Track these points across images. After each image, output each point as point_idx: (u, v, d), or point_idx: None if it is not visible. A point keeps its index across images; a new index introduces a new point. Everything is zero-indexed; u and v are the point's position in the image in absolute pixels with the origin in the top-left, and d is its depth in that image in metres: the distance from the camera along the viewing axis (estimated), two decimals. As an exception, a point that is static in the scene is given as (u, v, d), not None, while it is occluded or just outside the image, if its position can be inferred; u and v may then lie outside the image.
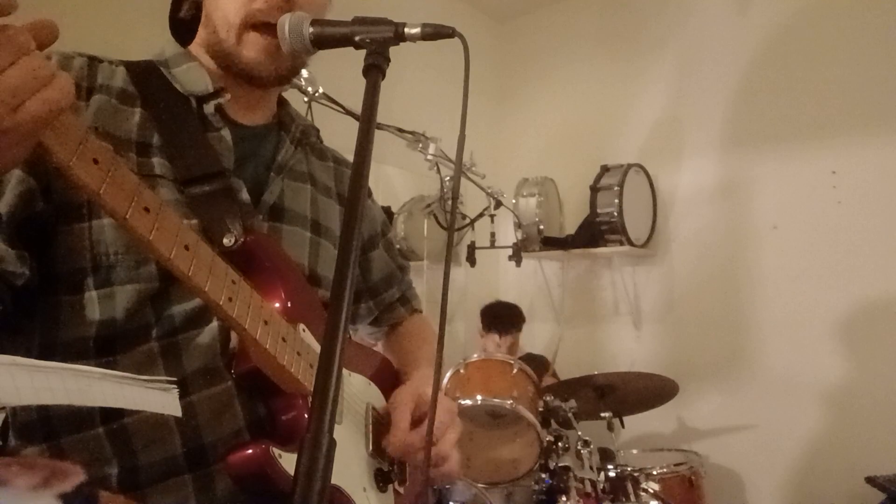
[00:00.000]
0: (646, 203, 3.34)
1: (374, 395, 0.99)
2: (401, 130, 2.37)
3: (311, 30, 0.78)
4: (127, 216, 0.61)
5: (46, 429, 0.78)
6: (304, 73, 1.85)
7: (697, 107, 3.31)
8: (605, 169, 3.26)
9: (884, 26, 2.81)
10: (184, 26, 0.96)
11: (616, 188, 3.12)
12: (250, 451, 0.74)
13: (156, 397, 0.60)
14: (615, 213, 3.11)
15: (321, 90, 1.99)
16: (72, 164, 0.57)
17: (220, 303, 0.69)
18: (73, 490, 0.52)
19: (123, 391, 0.56)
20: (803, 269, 2.91)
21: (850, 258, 2.80)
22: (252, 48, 0.86)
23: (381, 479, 0.92)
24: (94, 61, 0.86)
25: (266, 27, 0.85)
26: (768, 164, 3.06)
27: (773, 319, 2.98)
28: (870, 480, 2.35)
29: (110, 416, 0.76)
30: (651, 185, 3.36)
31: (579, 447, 2.29)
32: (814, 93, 2.96)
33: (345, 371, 0.93)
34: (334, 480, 0.79)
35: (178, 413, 0.61)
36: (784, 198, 3.01)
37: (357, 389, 0.95)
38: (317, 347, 0.82)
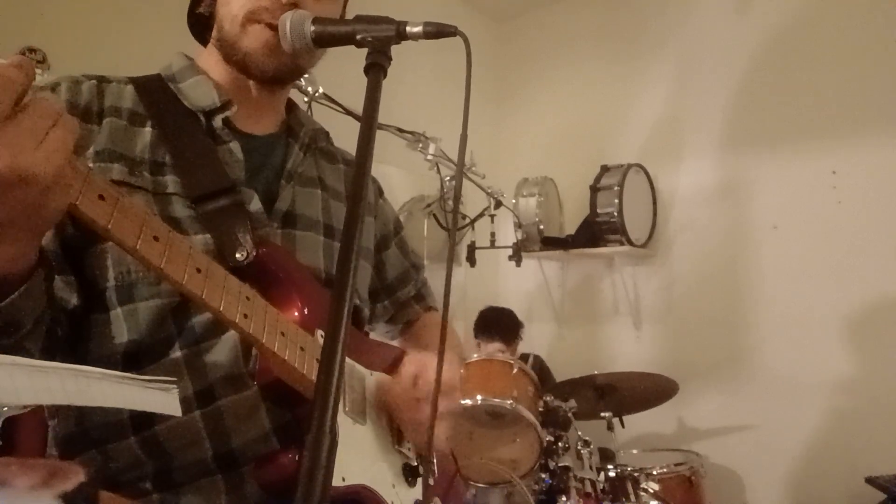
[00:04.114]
0: (646, 203, 3.34)
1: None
2: (401, 130, 2.37)
3: (312, 28, 0.78)
4: (137, 247, 0.62)
5: (86, 439, 0.80)
6: (304, 72, 1.85)
7: (697, 107, 3.31)
8: (605, 169, 3.26)
9: (884, 27, 2.80)
10: (201, 23, 0.97)
11: (616, 188, 3.12)
12: (280, 460, 0.76)
13: (155, 397, 0.59)
14: (615, 213, 3.11)
15: (321, 90, 1.99)
16: (78, 204, 0.58)
17: (237, 321, 0.70)
18: (73, 490, 0.51)
19: (123, 391, 0.56)
20: (803, 269, 2.91)
21: (850, 258, 2.79)
22: (253, 39, 0.87)
23: (410, 474, 0.93)
24: (102, 83, 0.87)
25: (271, 26, 0.85)
26: (768, 164, 3.06)
27: (773, 319, 2.98)
28: (870, 480, 2.35)
29: (141, 424, 0.79)
30: (651, 185, 3.36)
31: (579, 447, 2.29)
32: (814, 93, 2.95)
33: (366, 370, 0.94)
34: (362, 480, 0.81)
35: (179, 413, 0.61)
36: (784, 198, 3.01)
37: (379, 389, 0.96)
38: None
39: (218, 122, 0.89)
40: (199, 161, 0.86)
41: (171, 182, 0.83)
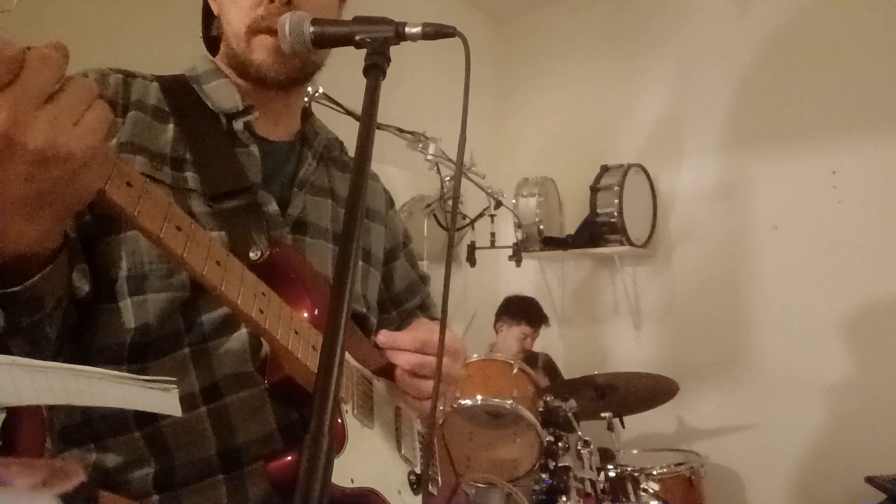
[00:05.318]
0: (646, 203, 3.34)
1: (400, 398, 1.00)
2: (401, 130, 2.37)
3: (311, 29, 0.78)
4: (161, 235, 0.62)
5: (89, 431, 0.80)
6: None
7: (697, 107, 3.31)
8: (605, 169, 3.26)
9: (884, 26, 2.81)
10: (215, 43, 0.99)
11: (616, 188, 3.12)
12: (290, 458, 0.76)
13: (155, 397, 0.59)
14: (615, 213, 3.11)
15: (321, 90, 1.99)
16: (106, 189, 0.58)
17: (252, 315, 0.70)
18: (73, 490, 0.52)
19: (123, 391, 0.56)
20: (803, 269, 2.91)
21: (850, 258, 2.80)
22: (260, 50, 0.88)
23: (415, 482, 0.94)
24: (128, 78, 0.88)
25: (272, 31, 0.86)
26: (768, 164, 3.06)
27: (773, 319, 2.98)
28: (870, 480, 2.35)
29: (145, 419, 0.79)
30: (651, 185, 3.37)
31: (579, 447, 2.29)
32: (814, 93, 2.96)
33: (372, 376, 0.94)
34: (370, 483, 0.81)
35: (179, 413, 0.61)
36: (784, 198, 3.01)
37: (385, 393, 0.96)
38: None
39: (239, 125, 0.91)
40: (219, 161, 0.87)
41: (190, 178, 0.84)
